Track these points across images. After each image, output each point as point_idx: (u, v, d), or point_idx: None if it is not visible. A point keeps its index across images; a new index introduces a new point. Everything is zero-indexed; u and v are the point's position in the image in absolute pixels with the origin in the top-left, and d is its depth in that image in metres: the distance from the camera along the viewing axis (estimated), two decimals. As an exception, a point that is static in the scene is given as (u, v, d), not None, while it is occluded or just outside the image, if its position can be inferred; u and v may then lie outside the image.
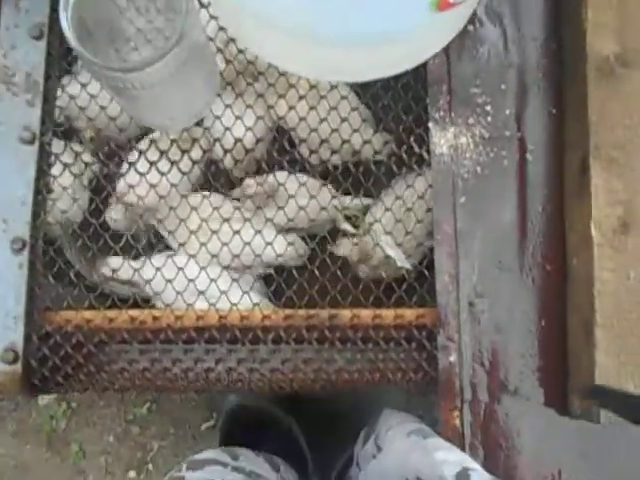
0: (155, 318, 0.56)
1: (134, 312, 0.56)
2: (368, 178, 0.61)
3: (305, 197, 0.61)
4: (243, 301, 0.58)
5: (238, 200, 0.63)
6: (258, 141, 0.62)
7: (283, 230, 0.62)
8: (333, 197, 0.62)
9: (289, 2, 0.48)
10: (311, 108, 0.61)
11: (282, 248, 0.61)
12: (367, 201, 0.65)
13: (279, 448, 0.74)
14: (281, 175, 0.62)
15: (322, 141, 0.62)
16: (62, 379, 0.56)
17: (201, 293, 0.57)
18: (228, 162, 0.62)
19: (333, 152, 0.63)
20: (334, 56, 0.56)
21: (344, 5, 0.47)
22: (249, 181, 0.62)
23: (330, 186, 0.63)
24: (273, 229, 0.61)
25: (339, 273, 0.59)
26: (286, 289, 0.58)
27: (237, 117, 0.60)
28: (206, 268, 0.59)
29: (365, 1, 0.46)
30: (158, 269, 0.58)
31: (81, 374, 0.56)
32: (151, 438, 1.02)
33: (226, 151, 0.61)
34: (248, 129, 0.61)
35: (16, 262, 0.55)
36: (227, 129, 0.60)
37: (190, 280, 0.57)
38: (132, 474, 1.01)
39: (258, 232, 0.60)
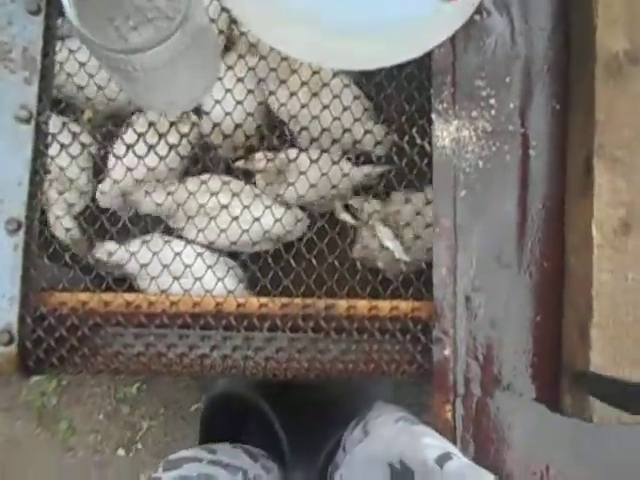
0: (150, 303, 0.55)
1: (129, 296, 0.56)
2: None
3: (316, 174, 0.59)
4: (217, 287, 0.57)
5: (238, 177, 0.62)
6: (248, 116, 0.60)
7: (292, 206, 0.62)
8: (344, 175, 0.61)
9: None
10: (313, 94, 0.60)
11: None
12: (379, 169, 0.63)
13: (260, 439, 0.74)
14: (292, 151, 0.61)
15: (323, 130, 0.61)
16: (57, 361, 0.55)
17: (175, 279, 0.56)
18: (216, 137, 0.61)
19: (334, 141, 0.61)
20: (339, 43, 0.55)
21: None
22: (259, 155, 0.61)
23: (344, 161, 0.62)
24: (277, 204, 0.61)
25: (336, 263, 0.58)
26: (283, 278, 0.57)
27: (227, 90, 0.59)
28: (182, 252, 0.58)
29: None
30: (155, 253, 0.58)
31: (75, 356, 0.56)
32: (141, 418, 1.02)
33: (215, 125, 0.60)
34: (238, 103, 0.59)
35: (11, 243, 0.54)
36: (217, 102, 0.58)
37: (165, 266, 0.57)
38: (121, 452, 1.01)
39: (268, 207, 0.59)
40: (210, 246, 0.60)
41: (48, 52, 0.56)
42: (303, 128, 0.61)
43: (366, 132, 0.62)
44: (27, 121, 0.55)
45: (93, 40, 0.42)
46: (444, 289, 0.56)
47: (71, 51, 0.57)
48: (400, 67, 0.58)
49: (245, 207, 0.59)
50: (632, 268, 0.49)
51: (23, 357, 0.54)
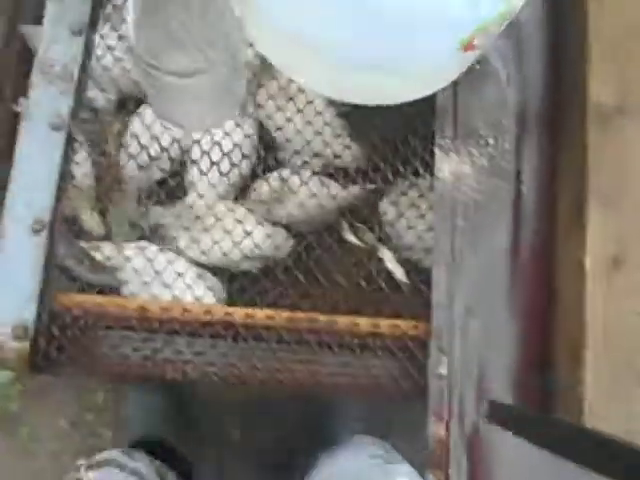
0: (163, 309, 0.56)
1: (144, 301, 0.56)
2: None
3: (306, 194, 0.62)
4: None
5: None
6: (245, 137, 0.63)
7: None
8: (332, 197, 0.63)
9: (326, 24, 0.50)
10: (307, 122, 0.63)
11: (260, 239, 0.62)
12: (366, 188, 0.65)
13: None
14: (285, 172, 0.63)
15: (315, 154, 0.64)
16: (66, 360, 0.55)
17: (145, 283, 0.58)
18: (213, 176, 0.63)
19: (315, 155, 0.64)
20: (354, 77, 0.58)
21: (382, 33, 0.48)
22: (261, 182, 0.63)
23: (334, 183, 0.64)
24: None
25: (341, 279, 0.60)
26: (291, 291, 0.59)
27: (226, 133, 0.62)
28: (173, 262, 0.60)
29: (403, 33, 0.48)
30: (150, 260, 0.59)
31: (85, 357, 0.56)
32: (105, 426, 0.99)
33: (213, 163, 0.62)
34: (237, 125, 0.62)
35: (34, 242, 0.54)
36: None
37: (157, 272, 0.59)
38: (82, 461, 0.98)
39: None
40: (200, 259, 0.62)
41: (85, 69, 0.59)
42: (296, 152, 0.64)
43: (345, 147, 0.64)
44: (59, 129, 0.56)
45: (154, 64, 0.45)
46: (442, 310, 0.58)
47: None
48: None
49: (239, 222, 0.61)
50: (625, 301, 0.52)
51: (35, 354, 0.53)
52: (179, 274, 0.59)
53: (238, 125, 0.62)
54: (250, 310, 0.58)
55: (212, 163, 0.62)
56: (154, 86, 0.51)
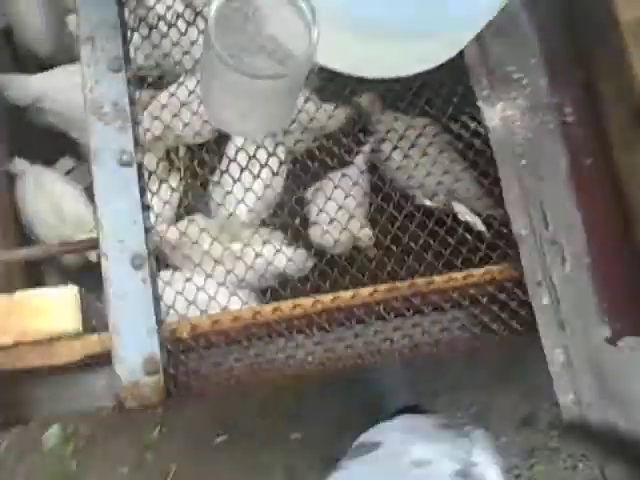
0: (275, 309, 0.56)
1: (251, 309, 0.57)
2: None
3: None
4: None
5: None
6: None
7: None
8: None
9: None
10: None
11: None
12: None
13: None
14: None
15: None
16: (196, 382, 0.55)
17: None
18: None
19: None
20: (372, 48, 0.59)
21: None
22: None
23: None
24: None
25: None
26: (388, 262, 0.60)
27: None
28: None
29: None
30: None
31: (214, 375, 0.56)
32: (167, 461, 0.97)
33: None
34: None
35: (139, 277, 0.54)
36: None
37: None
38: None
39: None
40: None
41: (133, 101, 0.58)
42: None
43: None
44: (129, 164, 0.56)
45: (231, 63, 0.45)
46: (528, 245, 0.60)
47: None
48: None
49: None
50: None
51: (167, 383, 0.54)
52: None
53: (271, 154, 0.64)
54: (335, 293, 0.59)
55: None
56: (219, 86, 0.51)
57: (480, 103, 0.64)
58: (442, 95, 0.66)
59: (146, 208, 0.56)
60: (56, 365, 0.57)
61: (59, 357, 0.57)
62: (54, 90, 0.83)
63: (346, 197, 0.67)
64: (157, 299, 0.55)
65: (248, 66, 0.47)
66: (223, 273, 0.63)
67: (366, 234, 0.73)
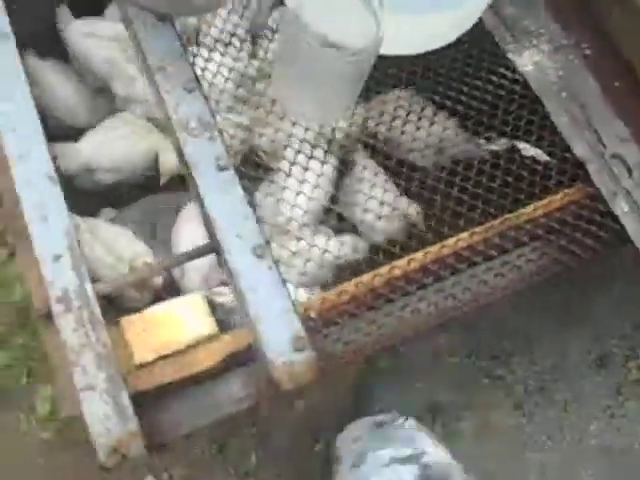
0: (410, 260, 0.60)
1: (364, 277, 0.59)
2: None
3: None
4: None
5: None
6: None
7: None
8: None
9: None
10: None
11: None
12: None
13: None
14: None
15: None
16: (346, 353, 0.56)
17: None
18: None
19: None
20: (412, 25, 0.65)
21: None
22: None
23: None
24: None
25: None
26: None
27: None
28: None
29: None
30: None
31: (352, 344, 0.57)
32: None
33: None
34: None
35: (265, 265, 0.56)
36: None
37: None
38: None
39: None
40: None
41: (214, 114, 0.62)
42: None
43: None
44: (226, 168, 0.59)
45: (317, 34, 0.50)
46: (594, 165, 0.65)
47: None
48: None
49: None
50: None
51: (318, 359, 0.55)
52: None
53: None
54: (443, 242, 0.62)
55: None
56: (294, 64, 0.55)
57: (510, 55, 0.71)
58: (474, 57, 0.73)
59: (252, 205, 0.59)
60: (195, 374, 0.57)
61: (199, 364, 0.57)
62: (101, 149, 0.87)
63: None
64: (284, 281, 0.56)
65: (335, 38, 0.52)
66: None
67: (415, 209, 0.78)
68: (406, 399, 0.95)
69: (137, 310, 0.60)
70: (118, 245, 0.84)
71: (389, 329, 0.60)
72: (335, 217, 0.81)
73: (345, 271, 0.74)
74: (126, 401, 0.52)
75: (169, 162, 0.93)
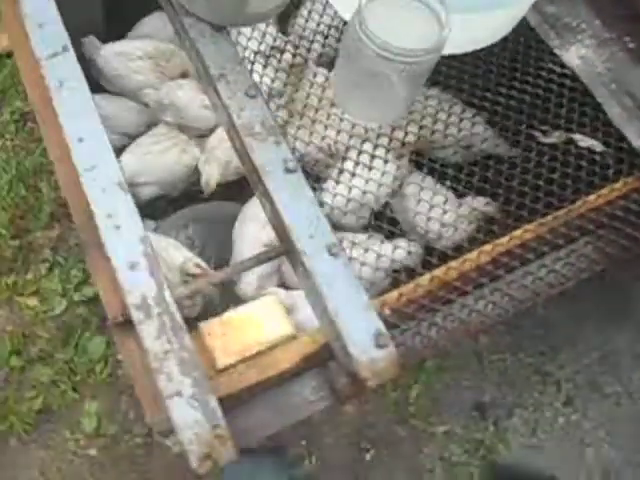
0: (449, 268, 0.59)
1: (439, 270, 0.59)
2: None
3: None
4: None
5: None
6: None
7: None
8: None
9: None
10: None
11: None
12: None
13: None
14: None
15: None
16: (424, 348, 0.56)
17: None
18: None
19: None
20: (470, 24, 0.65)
21: None
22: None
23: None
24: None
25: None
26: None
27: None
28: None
29: None
30: None
31: (431, 336, 0.57)
32: None
33: None
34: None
35: (340, 263, 0.56)
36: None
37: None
38: None
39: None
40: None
41: (275, 118, 0.62)
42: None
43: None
44: (295, 170, 0.59)
45: (381, 41, 0.50)
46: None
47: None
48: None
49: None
50: None
51: (399, 354, 0.54)
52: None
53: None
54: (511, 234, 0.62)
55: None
56: (355, 70, 0.56)
57: (557, 51, 0.72)
58: (521, 53, 0.73)
59: (321, 205, 0.59)
60: (276, 375, 0.57)
61: (278, 366, 0.57)
62: (144, 163, 0.87)
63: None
64: (360, 278, 0.56)
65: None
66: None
67: (492, 205, 0.78)
68: (455, 398, 0.95)
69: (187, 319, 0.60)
70: (166, 254, 0.84)
71: (463, 323, 0.60)
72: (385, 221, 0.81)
73: (399, 275, 0.74)
74: (214, 405, 0.51)
75: (213, 175, 0.94)
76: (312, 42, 0.72)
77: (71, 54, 0.64)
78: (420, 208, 0.75)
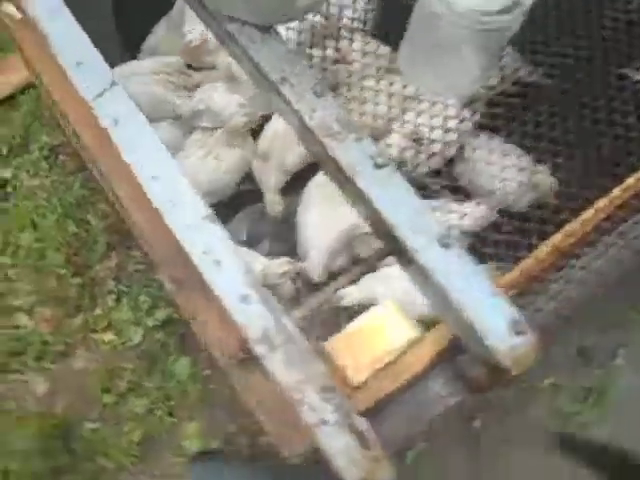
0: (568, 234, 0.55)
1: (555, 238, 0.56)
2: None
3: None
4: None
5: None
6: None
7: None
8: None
9: None
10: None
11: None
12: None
13: None
14: None
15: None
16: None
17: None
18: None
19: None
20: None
21: None
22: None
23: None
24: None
25: None
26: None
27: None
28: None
29: None
30: None
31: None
32: None
33: None
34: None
35: (454, 254, 0.53)
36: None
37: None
38: None
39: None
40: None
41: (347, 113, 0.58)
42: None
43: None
44: (385, 165, 0.55)
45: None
46: None
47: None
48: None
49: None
50: None
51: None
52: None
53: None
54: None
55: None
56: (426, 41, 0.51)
57: None
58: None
59: (420, 195, 0.55)
60: (408, 381, 0.55)
61: (410, 370, 0.55)
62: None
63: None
64: (479, 266, 0.53)
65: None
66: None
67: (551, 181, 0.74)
68: (556, 345, 0.92)
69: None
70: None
71: (580, 288, 0.57)
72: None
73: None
74: (363, 426, 0.49)
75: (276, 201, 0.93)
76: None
77: (119, 88, 0.61)
78: (494, 170, 0.72)
